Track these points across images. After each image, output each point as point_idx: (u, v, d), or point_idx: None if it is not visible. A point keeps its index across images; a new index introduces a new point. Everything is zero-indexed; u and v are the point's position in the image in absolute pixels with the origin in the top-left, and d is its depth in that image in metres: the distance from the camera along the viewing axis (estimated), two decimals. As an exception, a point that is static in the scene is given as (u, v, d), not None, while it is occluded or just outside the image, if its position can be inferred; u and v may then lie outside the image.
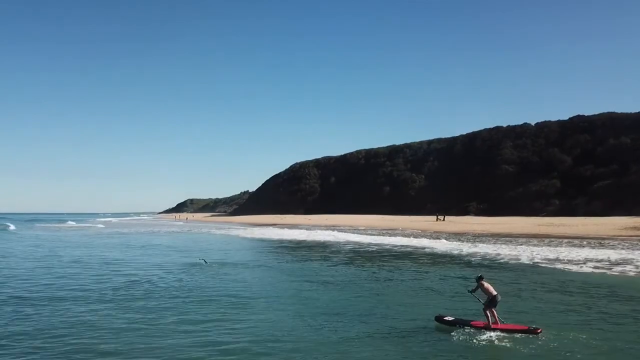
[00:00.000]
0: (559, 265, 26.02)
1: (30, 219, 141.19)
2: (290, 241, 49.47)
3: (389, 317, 14.23)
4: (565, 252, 31.58)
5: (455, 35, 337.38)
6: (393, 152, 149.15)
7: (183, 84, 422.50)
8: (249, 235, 61.20)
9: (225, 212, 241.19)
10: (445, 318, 13.13)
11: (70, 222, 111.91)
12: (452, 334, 12.36)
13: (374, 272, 24.52)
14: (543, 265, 26.56)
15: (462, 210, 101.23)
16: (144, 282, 20.96)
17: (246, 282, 21.22)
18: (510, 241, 43.65)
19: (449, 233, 58.18)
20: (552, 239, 44.89)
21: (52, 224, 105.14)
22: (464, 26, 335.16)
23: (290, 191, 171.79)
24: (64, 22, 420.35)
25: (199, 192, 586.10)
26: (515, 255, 31.43)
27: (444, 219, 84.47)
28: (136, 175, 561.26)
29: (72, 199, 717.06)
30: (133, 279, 21.84)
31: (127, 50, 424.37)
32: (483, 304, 12.77)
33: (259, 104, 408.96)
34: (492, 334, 12.14)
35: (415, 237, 51.86)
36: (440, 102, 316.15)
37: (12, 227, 79.79)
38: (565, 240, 42.83)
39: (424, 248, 38.55)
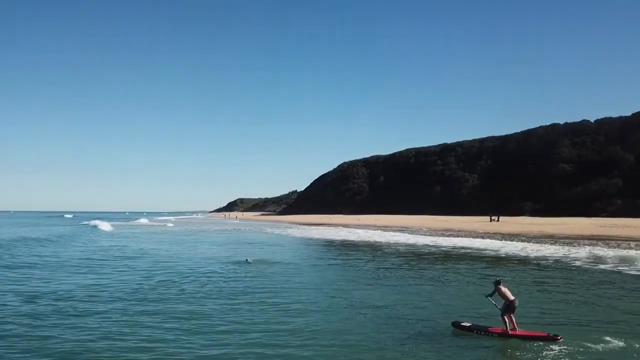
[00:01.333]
0: None
1: (96, 217, 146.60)
2: (342, 241, 49.39)
3: (431, 321, 14.05)
4: None
5: (512, 31, 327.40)
6: (444, 150, 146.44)
7: (231, 85, 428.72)
8: (299, 235, 61.71)
9: (274, 211, 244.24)
10: (463, 324, 13.03)
11: (142, 220, 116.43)
12: (469, 340, 12.10)
13: (435, 276, 23.73)
14: (624, 271, 24.73)
15: (516, 210, 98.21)
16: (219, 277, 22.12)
17: (295, 283, 21.24)
18: (572, 243, 41.92)
19: (505, 234, 56.44)
20: (619, 241, 42.68)
21: (128, 222, 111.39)
22: (519, 20, 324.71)
23: (338, 191, 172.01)
24: (65, 23, 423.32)
25: (249, 192, 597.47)
26: (586, 258, 30.02)
27: (498, 220, 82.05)
28: (189, 175, 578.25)
29: (130, 198, 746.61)
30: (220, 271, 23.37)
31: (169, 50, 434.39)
32: (500, 309, 12.54)
33: (307, 103, 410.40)
34: (510, 340, 11.87)
35: (472, 237, 50.53)
36: (494, 100, 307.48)
37: (105, 226, 76.17)
38: (634, 244, 40.46)
39: (485, 250, 37.37)
